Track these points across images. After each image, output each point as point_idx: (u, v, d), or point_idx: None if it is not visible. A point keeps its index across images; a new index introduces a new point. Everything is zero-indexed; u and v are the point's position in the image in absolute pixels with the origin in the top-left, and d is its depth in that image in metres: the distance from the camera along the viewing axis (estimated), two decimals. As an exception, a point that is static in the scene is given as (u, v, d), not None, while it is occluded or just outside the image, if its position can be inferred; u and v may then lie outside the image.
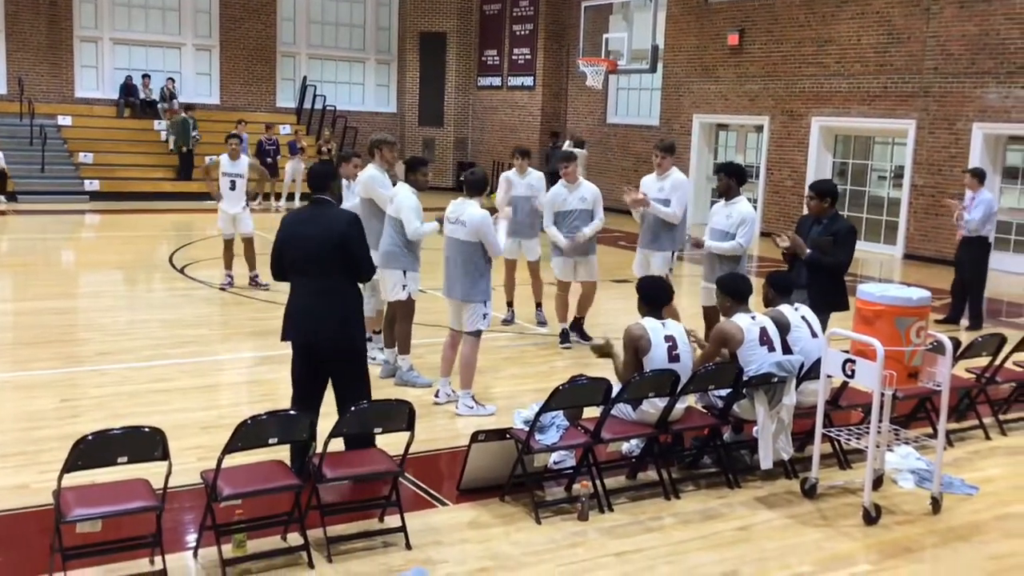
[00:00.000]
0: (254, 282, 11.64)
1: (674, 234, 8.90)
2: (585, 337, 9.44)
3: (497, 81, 25.85)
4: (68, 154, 21.46)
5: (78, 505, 4.34)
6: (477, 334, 7.26)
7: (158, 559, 4.53)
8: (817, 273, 7.28)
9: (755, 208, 18.08)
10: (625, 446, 6.30)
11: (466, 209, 7.10)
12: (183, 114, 21.79)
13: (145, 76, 23.40)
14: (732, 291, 6.34)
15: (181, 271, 12.98)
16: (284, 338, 5.83)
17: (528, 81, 24.85)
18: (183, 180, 21.30)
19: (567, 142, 22.26)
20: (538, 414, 5.47)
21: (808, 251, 7.32)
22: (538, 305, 10.33)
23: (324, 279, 5.65)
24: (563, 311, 9.54)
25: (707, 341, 6.51)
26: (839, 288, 7.40)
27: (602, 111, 23.57)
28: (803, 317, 6.41)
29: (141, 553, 4.65)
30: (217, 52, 24.67)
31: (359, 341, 5.91)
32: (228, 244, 11.69)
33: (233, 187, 11.58)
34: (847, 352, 5.61)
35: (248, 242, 11.63)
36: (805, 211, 7.84)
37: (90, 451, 4.28)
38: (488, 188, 7.35)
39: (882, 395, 5.47)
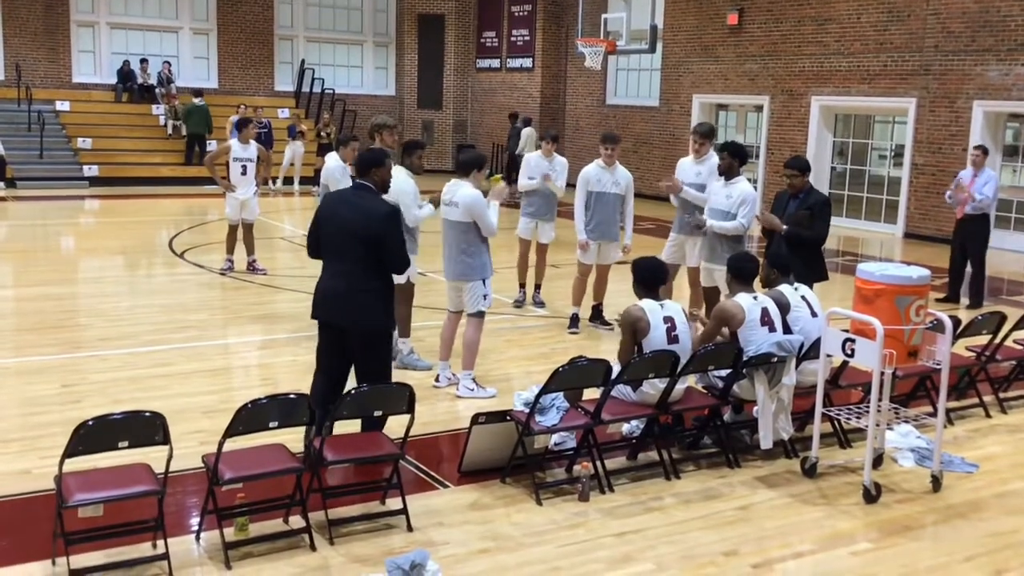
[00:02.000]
0: (252, 267, 11.63)
1: (691, 216, 8.81)
2: (605, 323, 9.41)
3: (496, 63, 25.77)
4: (67, 140, 21.42)
5: (80, 490, 4.35)
6: (480, 315, 7.25)
7: (160, 543, 4.54)
8: (798, 248, 7.38)
9: (755, 188, 18.09)
10: (625, 427, 6.32)
11: (459, 190, 7.10)
12: (196, 100, 21.69)
13: (143, 61, 23.34)
14: (735, 271, 6.34)
15: (181, 256, 12.97)
16: (313, 314, 5.90)
17: (527, 63, 24.76)
18: (195, 166, 21.18)
19: (519, 122, 22.52)
20: (538, 396, 5.48)
21: (785, 227, 7.40)
22: (537, 287, 10.34)
23: (356, 263, 5.66)
24: (579, 295, 9.51)
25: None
26: (818, 260, 7.61)
27: (601, 92, 23.49)
28: (803, 297, 6.41)
29: (143, 537, 4.66)
30: (215, 36, 24.58)
31: (387, 325, 5.91)
32: (233, 229, 11.66)
33: (244, 172, 11.52)
34: (847, 331, 5.61)
35: (249, 227, 11.61)
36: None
37: (91, 436, 4.29)
38: (484, 168, 7.33)
39: (882, 374, 5.47)
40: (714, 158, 8.65)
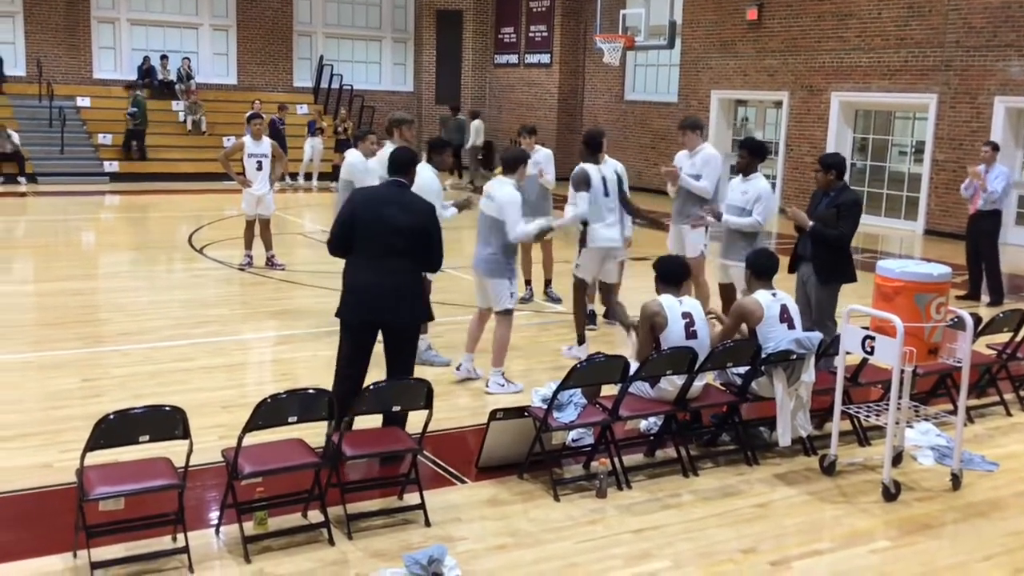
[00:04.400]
0: (271, 262, 11.68)
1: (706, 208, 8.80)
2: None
3: (514, 59, 25.75)
4: (87, 135, 21.55)
5: (101, 483, 4.39)
6: (508, 313, 7.27)
7: (180, 536, 4.58)
8: (820, 245, 7.29)
9: (774, 184, 18.02)
10: (643, 423, 6.31)
11: (501, 187, 7.17)
12: (138, 93, 21.72)
13: (163, 57, 23.45)
14: (755, 267, 6.31)
15: (200, 251, 13.04)
16: (345, 315, 5.77)
17: (545, 59, 24.72)
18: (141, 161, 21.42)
19: (464, 115, 22.79)
20: (556, 392, 5.49)
21: (811, 224, 7.32)
22: (547, 282, 10.35)
23: (402, 258, 5.70)
24: (591, 292, 9.48)
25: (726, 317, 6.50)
26: (844, 260, 7.41)
27: (620, 88, 23.44)
28: (784, 306, 6.24)
29: (164, 531, 4.69)
30: (234, 32, 24.68)
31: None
32: (250, 224, 11.71)
33: (260, 167, 11.56)
34: (866, 328, 5.58)
35: (266, 223, 11.65)
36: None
37: (112, 430, 4.32)
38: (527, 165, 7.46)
39: (902, 372, 5.44)
40: (706, 147, 8.76)
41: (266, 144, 11.64)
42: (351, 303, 5.76)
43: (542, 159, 10.06)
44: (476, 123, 22.71)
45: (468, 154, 22.82)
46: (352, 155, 9.09)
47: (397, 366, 5.78)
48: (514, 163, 7.33)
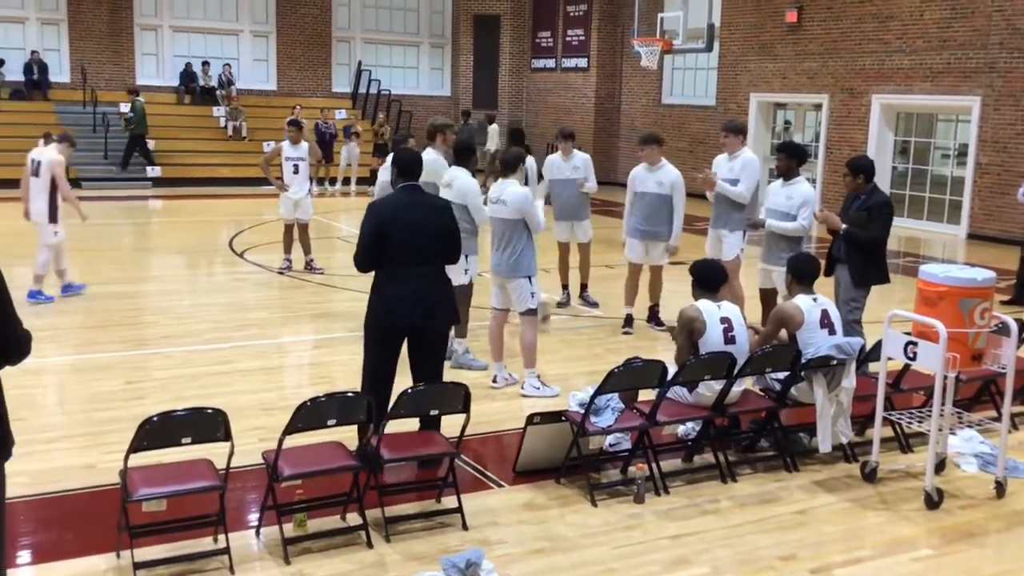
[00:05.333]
0: (310, 266, 11.77)
1: (744, 215, 8.76)
2: (660, 324, 9.36)
3: (551, 63, 25.76)
4: (130, 141, 21.84)
5: (144, 485, 4.45)
6: (532, 313, 7.27)
7: (221, 537, 4.63)
8: (853, 248, 7.23)
9: (814, 187, 17.85)
10: (681, 429, 6.28)
11: (506, 188, 7.16)
12: (138, 98, 21.39)
13: (204, 63, 23.75)
14: (795, 271, 6.25)
15: (241, 255, 13.17)
16: (385, 325, 5.65)
17: (582, 63, 24.71)
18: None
19: (473, 122, 22.70)
20: (593, 396, 5.48)
21: (844, 226, 7.26)
22: (583, 287, 10.33)
23: (434, 263, 5.76)
24: (631, 295, 9.48)
25: (764, 323, 6.45)
26: (876, 262, 7.34)
27: (657, 92, 23.36)
28: (824, 311, 6.18)
29: (205, 532, 4.75)
30: (274, 38, 24.93)
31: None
32: (288, 228, 11.81)
33: (297, 171, 11.64)
34: (908, 334, 5.51)
35: (304, 227, 11.75)
36: None
37: (155, 432, 4.38)
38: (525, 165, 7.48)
39: (945, 377, 5.37)
40: (746, 152, 8.72)
41: (303, 148, 11.73)
42: (392, 313, 5.65)
43: (580, 164, 10.02)
44: (492, 127, 22.73)
45: (483, 158, 22.87)
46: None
47: (432, 372, 5.77)
48: (514, 164, 7.34)
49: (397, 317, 5.67)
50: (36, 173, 9.97)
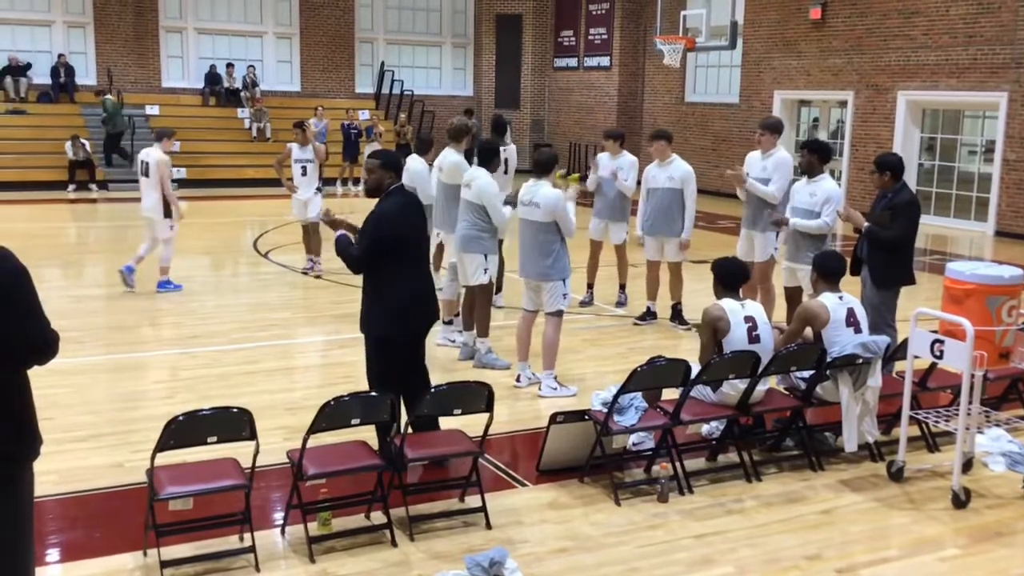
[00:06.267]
0: (312, 265, 11.70)
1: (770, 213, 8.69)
2: (683, 323, 9.35)
3: (573, 62, 25.73)
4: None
5: (170, 483, 4.48)
6: (559, 314, 7.27)
7: (247, 536, 4.66)
8: (876, 247, 7.12)
9: (839, 185, 17.75)
10: (705, 428, 6.27)
11: (539, 190, 7.11)
12: (109, 96, 21.23)
13: (229, 65, 23.89)
14: (821, 269, 6.20)
15: (265, 256, 13.25)
16: (403, 329, 5.62)
17: (604, 61, 24.67)
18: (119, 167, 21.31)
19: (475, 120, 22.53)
20: (616, 395, 5.47)
21: (867, 224, 7.16)
22: (622, 287, 10.31)
23: (428, 263, 5.95)
24: (650, 290, 9.56)
25: (789, 321, 6.42)
26: (901, 262, 7.17)
27: (680, 90, 23.29)
28: (850, 309, 6.13)
29: (231, 530, 4.78)
30: (297, 40, 25.05)
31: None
32: (305, 229, 11.84)
33: (304, 172, 11.64)
34: (935, 332, 5.47)
35: (314, 228, 11.67)
36: None
37: (181, 431, 4.42)
38: (560, 167, 7.37)
39: (972, 376, 5.32)
40: (780, 152, 8.58)
41: (310, 150, 11.68)
42: (408, 316, 5.61)
43: (625, 164, 9.84)
44: (472, 121, 22.64)
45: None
46: (417, 162, 9.14)
47: (424, 371, 5.84)
48: (548, 165, 7.22)
49: (413, 320, 5.66)
50: (146, 173, 10.52)
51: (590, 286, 10.37)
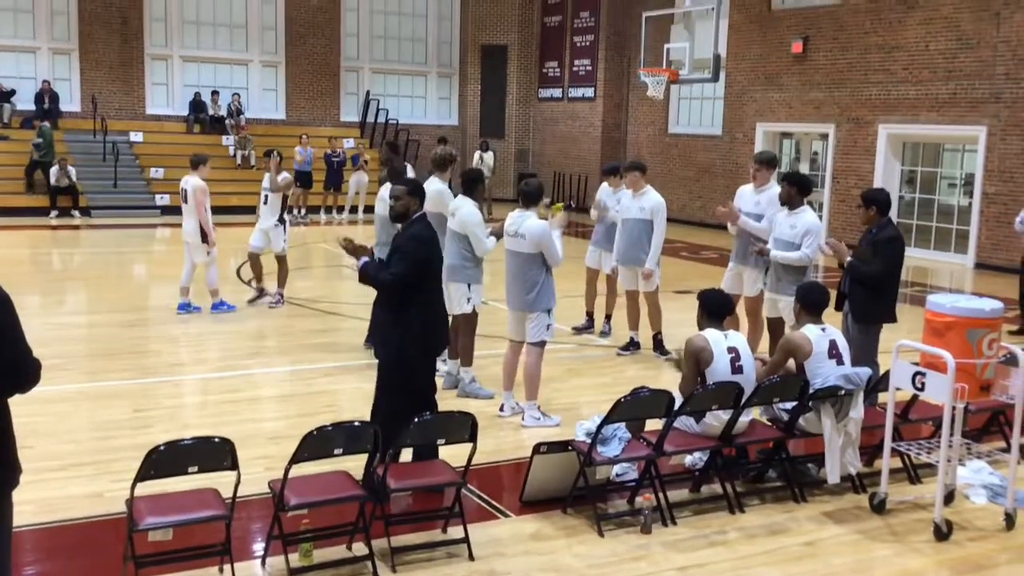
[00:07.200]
0: (259, 295, 11.49)
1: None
2: (664, 352, 9.37)
3: (558, 92, 25.91)
4: (140, 169, 22.01)
5: (150, 514, 4.44)
6: (541, 345, 7.27)
7: (227, 567, 4.61)
8: (856, 283, 7.11)
9: (820, 217, 17.89)
10: (688, 459, 6.26)
11: (525, 221, 7.14)
12: (45, 124, 20.92)
13: (214, 92, 23.92)
14: (804, 300, 6.22)
15: (248, 283, 13.18)
16: (433, 352, 5.93)
17: (589, 92, 24.85)
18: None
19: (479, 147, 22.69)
20: (600, 426, 5.47)
21: (849, 259, 7.19)
22: (607, 317, 10.34)
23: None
24: (631, 320, 9.65)
25: (771, 352, 6.44)
26: (881, 299, 7.11)
27: (664, 121, 23.47)
28: (832, 341, 6.18)
29: (211, 561, 4.74)
30: (283, 68, 25.13)
31: None
32: (253, 257, 11.58)
33: (266, 201, 11.46)
34: (916, 364, 5.50)
35: (280, 259, 11.49)
36: None
37: (162, 461, 4.38)
38: (546, 198, 7.42)
39: (953, 408, 5.35)
40: (774, 187, 8.51)
41: (268, 180, 11.46)
42: (433, 337, 5.88)
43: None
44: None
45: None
46: (387, 190, 9.09)
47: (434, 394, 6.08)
48: (534, 197, 7.27)
49: (439, 339, 5.97)
50: (185, 199, 10.96)
51: (589, 314, 10.40)
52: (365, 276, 5.77)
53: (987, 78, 16.37)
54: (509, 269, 7.31)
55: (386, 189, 9.15)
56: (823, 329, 6.11)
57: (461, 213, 7.61)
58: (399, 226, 6.00)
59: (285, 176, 11.60)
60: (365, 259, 5.82)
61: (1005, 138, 16.21)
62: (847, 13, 18.60)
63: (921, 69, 17.39)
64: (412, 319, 5.71)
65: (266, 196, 11.59)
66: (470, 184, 7.75)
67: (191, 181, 10.86)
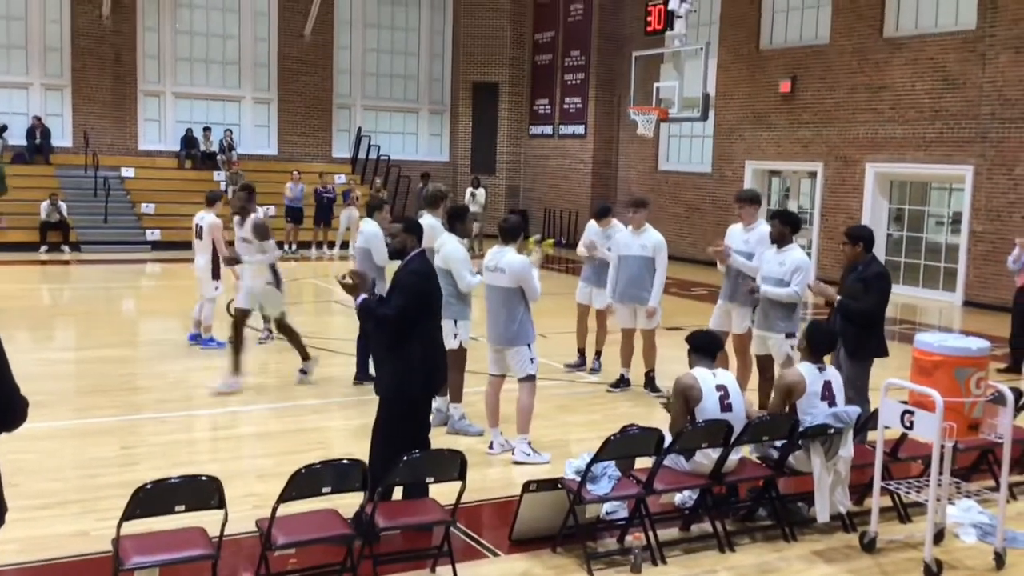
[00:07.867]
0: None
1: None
2: (656, 390, 9.34)
3: (548, 130, 26.09)
4: (131, 205, 22.04)
5: (136, 553, 4.41)
6: (531, 379, 7.28)
7: (213, 607, 4.57)
8: (848, 321, 7.15)
9: (809, 255, 17.99)
10: (678, 497, 6.25)
11: (504, 256, 7.21)
12: None
13: (206, 129, 24.03)
14: (810, 339, 6.19)
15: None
16: (434, 388, 6.04)
17: (579, 129, 25.03)
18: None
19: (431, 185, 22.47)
20: (590, 464, 5.45)
21: (839, 298, 7.24)
22: (597, 353, 10.34)
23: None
24: (623, 357, 9.60)
25: (760, 390, 6.45)
26: (872, 334, 7.19)
27: (653, 158, 23.63)
28: (828, 382, 6.23)
29: (197, 601, 4.69)
30: (275, 104, 25.27)
31: None
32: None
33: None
34: (905, 403, 5.52)
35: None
36: None
37: (149, 499, 4.36)
38: (536, 235, 7.49)
39: (942, 447, 5.36)
40: (763, 226, 8.58)
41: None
42: (434, 373, 5.95)
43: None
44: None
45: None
46: (373, 225, 9.07)
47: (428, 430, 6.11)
48: (514, 233, 7.37)
49: (439, 376, 6.04)
50: (200, 236, 10.89)
51: (580, 351, 10.40)
52: (366, 311, 5.82)
53: (973, 118, 16.55)
54: (489, 304, 7.36)
55: (366, 224, 9.21)
56: (820, 368, 6.11)
57: (445, 249, 7.66)
58: (378, 261, 6.12)
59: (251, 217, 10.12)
60: (363, 297, 5.84)
61: (991, 177, 16.36)
62: (834, 53, 18.82)
63: (908, 109, 17.58)
64: (412, 353, 5.77)
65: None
66: (454, 219, 7.80)
67: (207, 218, 10.85)
